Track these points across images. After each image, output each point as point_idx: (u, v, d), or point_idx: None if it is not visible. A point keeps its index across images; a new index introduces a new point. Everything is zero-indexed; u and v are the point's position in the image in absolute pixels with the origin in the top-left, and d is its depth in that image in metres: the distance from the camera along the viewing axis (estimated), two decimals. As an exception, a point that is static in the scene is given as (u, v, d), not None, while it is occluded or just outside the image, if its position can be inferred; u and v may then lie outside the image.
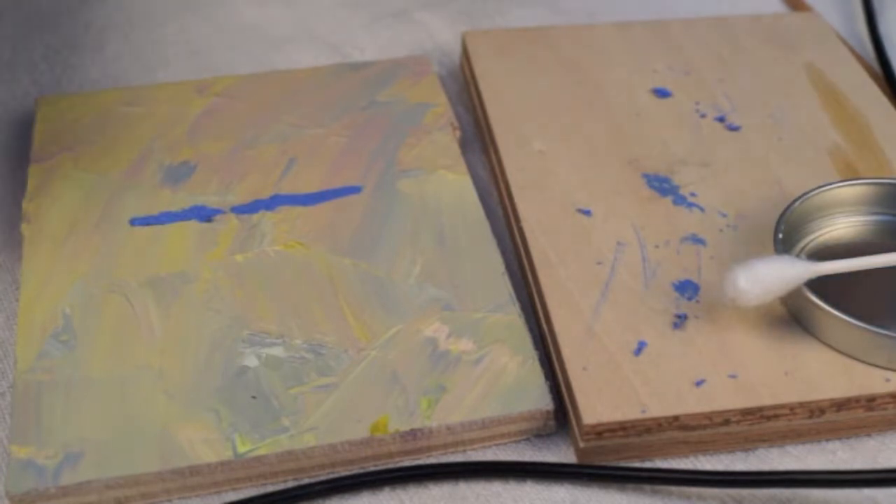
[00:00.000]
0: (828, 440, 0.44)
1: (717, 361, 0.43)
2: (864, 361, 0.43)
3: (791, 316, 0.45)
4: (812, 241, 0.49)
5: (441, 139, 0.56)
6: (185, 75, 0.62)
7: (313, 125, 0.57)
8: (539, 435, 0.44)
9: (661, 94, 0.57)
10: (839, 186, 0.49)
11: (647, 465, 0.43)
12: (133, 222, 0.51)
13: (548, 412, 0.43)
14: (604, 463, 0.43)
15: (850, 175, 0.52)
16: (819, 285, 0.44)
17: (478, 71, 0.59)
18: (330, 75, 0.60)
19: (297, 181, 0.53)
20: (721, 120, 0.56)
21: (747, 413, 0.42)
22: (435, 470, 0.42)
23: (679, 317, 0.45)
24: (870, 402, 0.43)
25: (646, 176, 0.52)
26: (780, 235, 0.46)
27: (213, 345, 0.45)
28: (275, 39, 0.66)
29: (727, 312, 0.45)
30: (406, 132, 0.56)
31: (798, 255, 0.48)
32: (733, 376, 0.43)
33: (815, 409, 0.43)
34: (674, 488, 0.42)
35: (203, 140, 0.56)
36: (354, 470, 0.43)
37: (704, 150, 0.54)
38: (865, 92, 0.58)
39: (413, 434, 0.42)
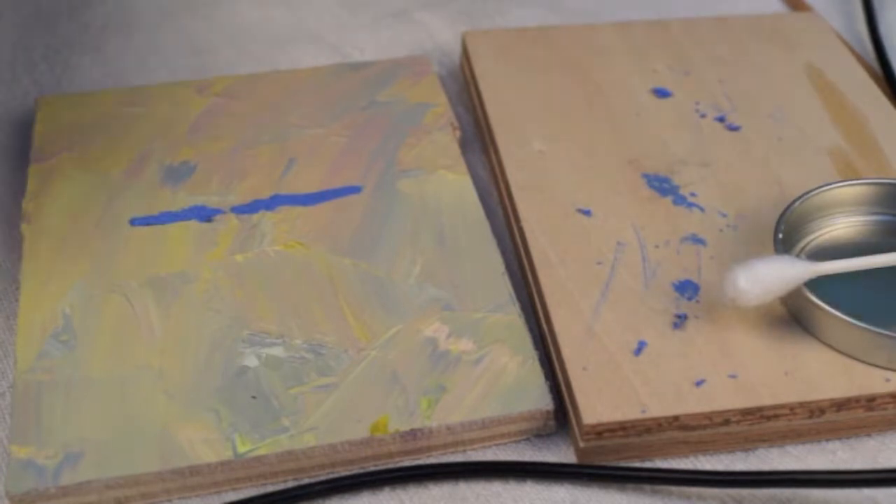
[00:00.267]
0: (828, 440, 0.44)
1: (717, 361, 0.43)
2: (864, 361, 0.43)
3: (791, 316, 0.45)
4: (812, 241, 0.49)
5: (441, 139, 0.56)
6: (185, 75, 0.62)
7: (313, 125, 0.57)
8: (539, 435, 0.44)
9: (661, 94, 0.57)
10: (839, 186, 0.49)
11: (647, 465, 0.43)
12: (133, 222, 0.51)
13: (548, 412, 0.43)
14: (604, 463, 0.43)
15: (850, 175, 0.52)
16: (819, 285, 0.44)
17: (478, 71, 0.59)
18: (330, 75, 0.60)
19: (297, 181, 0.53)
20: (721, 120, 0.56)
21: (747, 413, 0.42)
22: (435, 470, 0.42)
23: (679, 317, 0.45)
24: (870, 402, 0.43)
25: (646, 176, 0.52)
26: (780, 235, 0.46)
27: (213, 345, 0.45)
28: (275, 39, 0.66)
29: (727, 312, 0.45)
30: (406, 132, 0.56)
31: (798, 255, 0.48)
32: (733, 376, 0.43)
33: (815, 409, 0.43)
34: (674, 488, 0.42)
35: (203, 140, 0.56)
36: (354, 470, 0.43)
37: (704, 150, 0.54)
38: (865, 92, 0.58)
39: (413, 434, 0.42)
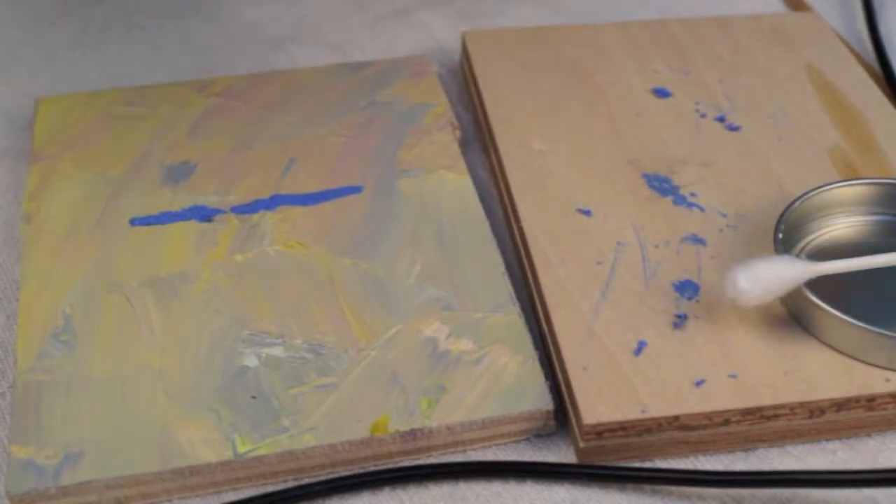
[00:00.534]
0: (828, 440, 0.44)
1: (717, 361, 0.43)
2: (864, 361, 0.43)
3: (791, 316, 0.45)
4: (812, 241, 0.49)
5: (441, 139, 0.56)
6: (185, 75, 0.62)
7: (313, 125, 0.57)
8: (539, 435, 0.44)
9: (661, 94, 0.57)
10: (839, 186, 0.49)
11: (647, 465, 0.43)
12: (133, 222, 0.51)
13: (548, 412, 0.43)
14: (604, 463, 0.43)
15: (850, 175, 0.52)
16: (819, 285, 0.44)
17: (478, 71, 0.59)
18: (330, 75, 0.60)
19: (297, 181, 0.53)
20: (721, 120, 0.56)
21: (747, 413, 0.42)
22: (435, 470, 0.42)
23: (679, 317, 0.45)
24: (870, 402, 0.43)
25: (646, 176, 0.52)
26: (780, 235, 0.46)
27: (213, 345, 0.45)
28: (275, 39, 0.66)
29: (727, 312, 0.45)
30: (406, 132, 0.56)
31: (798, 255, 0.48)
32: (733, 376, 0.43)
33: (815, 409, 0.43)
34: (674, 488, 0.42)
35: (203, 140, 0.56)
36: (354, 470, 0.43)
37: (704, 150, 0.54)
38: (865, 92, 0.58)
39: (413, 434, 0.42)
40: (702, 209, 0.50)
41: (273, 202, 0.52)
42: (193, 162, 0.54)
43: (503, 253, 0.50)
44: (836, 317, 0.43)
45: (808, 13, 0.65)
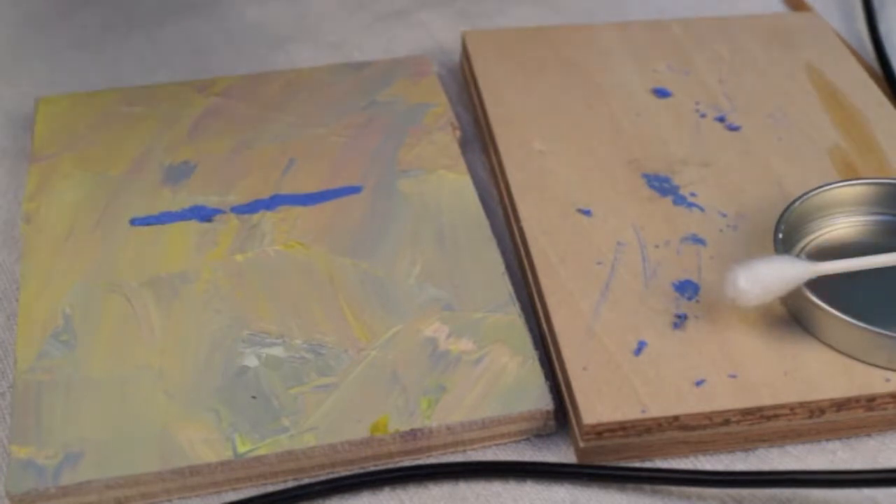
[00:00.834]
0: (828, 440, 0.44)
1: (717, 361, 0.43)
2: (864, 361, 0.43)
3: (791, 316, 0.45)
4: (812, 241, 0.49)
5: (441, 139, 0.56)
6: (185, 75, 0.62)
7: (313, 125, 0.57)
8: (539, 435, 0.44)
9: (661, 94, 0.57)
10: (839, 186, 0.49)
11: (647, 465, 0.43)
12: (133, 222, 0.51)
13: (548, 412, 0.43)
14: (604, 463, 0.43)
15: (850, 175, 0.52)
16: (819, 285, 0.44)
17: (478, 71, 0.59)
18: (330, 75, 0.60)
19: (297, 181, 0.53)
20: (721, 120, 0.56)
21: (747, 413, 0.42)
22: (435, 470, 0.42)
23: (679, 317, 0.45)
24: (870, 402, 0.43)
25: (646, 176, 0.52)
26: (780, 235, 0.46)
27: (213, 345, 0.45)
28: (275, 39, 0.66)
29: (727, 312, 0.45)
30: (406, 132, 0.56)
31: (798, 255, 0.48)
32: (733, 376, 0.43)
33: (815, 409, 0.43)
34: (674, 488, 0.42)
35: (203, 140, 0.56)
36: (354, 470, 0.43)
37: (704, 150, 0.54)
38: (865, 92, 0.58)
39: (413, 434, 0.42)
40: (702, 209, 0.50)
41: (273, 202, 0.52)
42: (193, 162, 0.54)
43: (503, 253, 0.50)
44: (836, 317, 0.43)
45: (808, 13, 0.65)
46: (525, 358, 0.45)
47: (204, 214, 0.51)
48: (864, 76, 0.59)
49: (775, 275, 0.43)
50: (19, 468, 0.41)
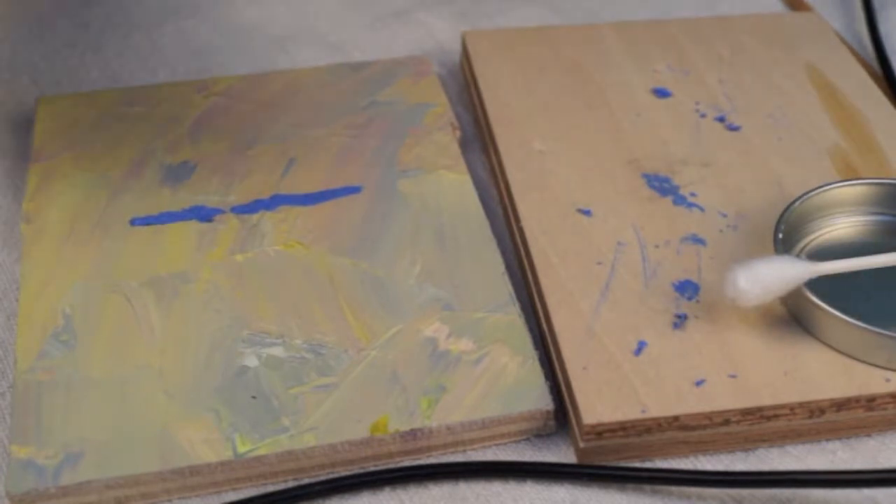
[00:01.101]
0: (828, 440, 0.44)
1: (717, 361, 0.43)
2: (864, 361, 0.43)
3: (791, 316, 0.45)
4: (812, 241, 0.49)
5: (441, 139, 0.56)
6: (185, 75, 0.62)
7: (313, 125, 0.57)
8: (539, 435, 0.44)
9: (661, 94, 0.57)
10: (839, 186, 0.49)
11: (647, 465, 0.43)
12: (133, 222, 0.51)
13: (548, 412, 0.43)
14: (604, 463, 0.43)
15: (850, 175, 0.52)
16: (819, 285, 0.44)
17: (478, 71, 0.59)
18: (330, 75, 0.60)
19: (297, 181, 0.53)
20: (721, 120, 0.56)
21: (747, 413, 0.42)
22: (435, 470, 0.43)
23: (679, 317, 0.45)
24: (870, 402, 0.43)
25: (646, 176, 0.52)
26: (780, 235, 0.46)
27: (213, 345, 0.45)
28: (275, 39, 0.66)
29: (727, 312, 0.45)
30: (406, 132, 0.56)
31: (798, 255, 0.48)
32: (733, 376, 0.43)
33: (815, 409, 0.43)
34: (674, 488, 0.42)
35: (203, 140, 0.56)
36: (354, 470, 0.43)
37: (704, 150, 0.54)
38: (865, 92, 0.58)
39: (413, 434, 0.42)
40: (702, 209, 0.50)
41: (273, 202, 0.52)
42: (193, 162, 0.54)
43: (503, 253, 0.50)
44: (836, 317, 0.43)
45: (808, 13, 0.65)
46: (525, 358, 0.45)
47: (204, 214, 0.51)
48: (864, 76, 0.59)
49: (775, 275, 0.43)
50: (19, 468, 0.41)
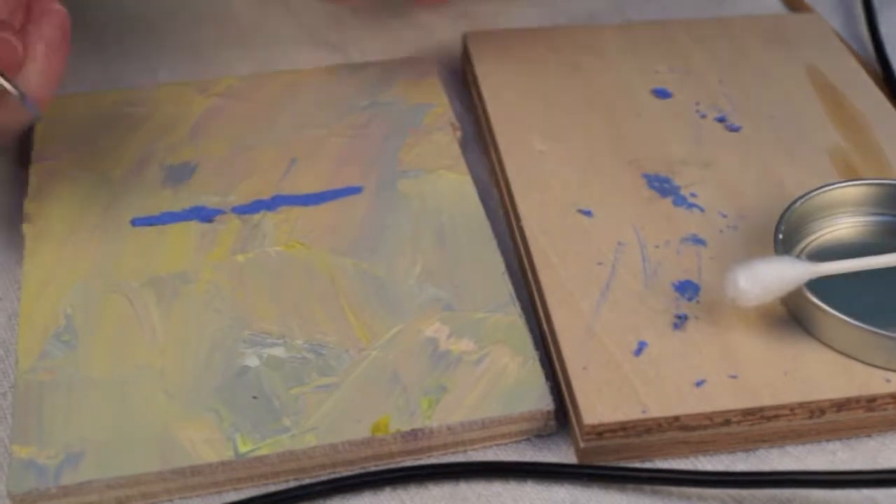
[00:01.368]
0: (828, 440, 0.44)
1: (717, 362, 0.43)
2: (864, 361, 0.43)
3: (791, 316, 0.45)
4: (812, 241, 0.49)
5: (441, 139, 0.56)
6: (186, 76, 0.62)
7: (314, 125, 0.57)
8: (539, 435, 0.44)
9: (662, 94, 0.57)
10: (840, 187, 0.49)
11: (648, 465, 0.43)
12: (134, 222, 0.51)
13: (548, 412, 0.43)
14: (604, 463, 0.43)
15: (850, 175, 0.52)
16: (819, 285, 0.44)
17: (478, 71, 0.59)
18: (331, 75, 0.60)
19: (298, 181, 0.53)
20: (721, 120, 0.56)
21: (747, 413, 0.42)
22: (435, 470, 0.43)
23: (679, 317, 0.45)
24: (870, 402, 0.43)
25: (646, 176, 0.52)
26: (781, 236, 0.47)
27: (213, 345, 0.45)
28: (275, 39, 0.66)
29: (727, 313, 0.45)
30: (406, 132, 0.56)
31: (798, 256, 0.48)
32: (733, 377, 0.43)
33: (815, 410, 0.43)
34: (674, 488, 0.42)
35: (204, 140, 0.56)
36: (355, 470, 0.43)
37: (705, 151, 0.54)
38: (865, 92, 0.58)
39: (414, 434, 0.43)
40: (702, 209, 0.51)
41: (274, 202, 0.52)
42: (194, 162, 0.54)
43: (503, 253, 0.50)
44: (836, 317, 0.43)
45: (808, 14, 0.65)
46: (525, 358, 0.45)
47: (205, 215, 0.51)
48: (864, 77, 0.59)
49: (775, 275, 0.43)
50: (20, 468, 0.41)
